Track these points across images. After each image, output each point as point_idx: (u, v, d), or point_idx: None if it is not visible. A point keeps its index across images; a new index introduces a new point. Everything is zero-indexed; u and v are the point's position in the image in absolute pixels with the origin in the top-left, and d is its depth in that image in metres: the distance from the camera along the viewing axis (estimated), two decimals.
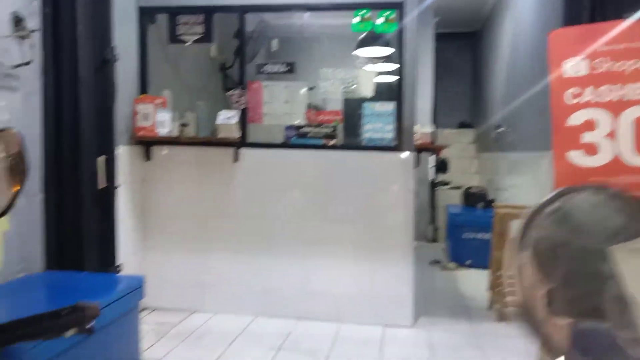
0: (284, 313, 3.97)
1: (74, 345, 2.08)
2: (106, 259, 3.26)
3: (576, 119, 2.08)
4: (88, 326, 0.82)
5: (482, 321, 4.00)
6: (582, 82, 2.07)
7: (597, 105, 2.05)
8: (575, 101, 2.09)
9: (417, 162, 3.84)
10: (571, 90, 2.09)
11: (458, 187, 7.50)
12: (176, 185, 4.08)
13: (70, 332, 0.82)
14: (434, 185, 7.47)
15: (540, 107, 4.62)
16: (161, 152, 4.06)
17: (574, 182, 2.08)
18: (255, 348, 3.40)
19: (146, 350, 3.25)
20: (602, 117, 2.04)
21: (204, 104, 5.23)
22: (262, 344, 3.47)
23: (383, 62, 3.96)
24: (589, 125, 2.06)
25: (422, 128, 4.01)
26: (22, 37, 2.57)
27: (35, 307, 2.29)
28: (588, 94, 2.07)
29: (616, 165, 2.03)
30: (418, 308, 4.05)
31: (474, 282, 5.20)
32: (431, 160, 7.23)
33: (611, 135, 2.02)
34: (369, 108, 3.77)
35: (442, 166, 7.44)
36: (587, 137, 2.07)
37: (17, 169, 1.04)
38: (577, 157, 2.11)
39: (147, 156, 4.07)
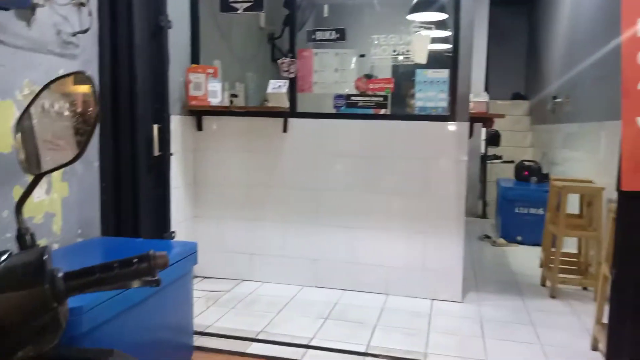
0: (332, 284, 3.99)
1: (131, 307, 2.15)
2: (160, 226, 3.35)
3: None
4: (156, 278, 0.83)
5: (533, 298, 3.90)
6: None
7: None
8: None
9: (471, 133, 3.73)
10: None
11: (510, 161, 7.28)
12: (226, 155, 4.12)
13: (138, 283, 0.83)
14: (484, 159, 7.28)
15: (602, 75, 4.40)
16: (212, 122, 4.09)
17: None
18: (303, 316, 3.44)
19: (197, 317, 3.34)
20: None
21: (253, 75, 5.25)
22: (310, 312, 3.51)
23: (437, 28, 3.81)
24: None
25: (476, 97, 3.87)
26: (80, 5, 2.61)
27: None
28: None
29: None
30: (467, 283, 3.99)
31: (525, 258, 5.07)
32: (482, 132, 7.03)
33: None
34: (421, 75, 3.66)
35: (493, 139, 7.22)
36: None
37: (87, 114, 1.04)
38: None
39: (199, 126, 4.11)
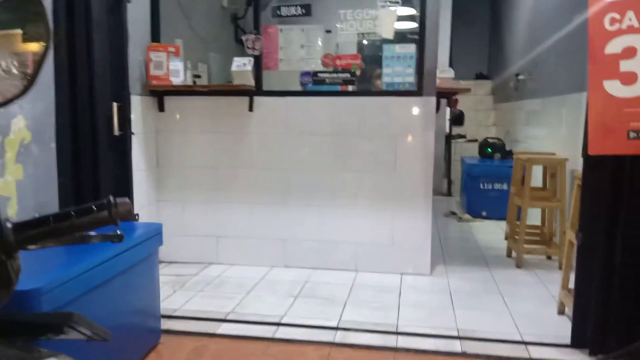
0: (301, 263, 3.96)
1: (94, 289, 2.07)
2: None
3: (615, 46, 1.97)
4: (119, 233, 0.77)
5: (499, 269, 3.97)
6: (622, 6, 1.95)
7: (638, 31, 1.93)
8: (614, 27, 1.97)
9: (437, 108, 3.73)
10: (610, 15, 1.96)
11: (474, 140, 7.37)
12: (190, 137, 4.02)
13: (99, 238, 0.76)
14: (449, 138, 7.35)
15: (565, 49, 4.47)
16: (175, 103, 3.98)
17: (611, 115, 1.99)
18: (273, 295, 3.40)
19: (165, 300, 3.26)
20: None
21: (216, 55, 5.13)
22: (280, 291, 3.48)
23: (403, 4, 3.78)
24: (629, 53, 1.95)
25: (442, 74, 3.87)
26: None
27: (54, 256, 2.29)
28: (628, 19, 1.95)
29: None
30: (435, 258, 4.02)
31: (490, 232, 5.16)
32: (447, 112, 7.09)
33: None
34: (389, 50, 3.64)
35: (458, 119, 7.30)
36: (625, 66, 1.96)
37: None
38: (613, 87, 2.00)
39: (161, 107, 3.99)
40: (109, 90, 3.04)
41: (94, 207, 0.75)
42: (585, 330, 2.56)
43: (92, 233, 0.79)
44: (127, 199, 0.77)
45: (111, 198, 0.75)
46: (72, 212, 0.75)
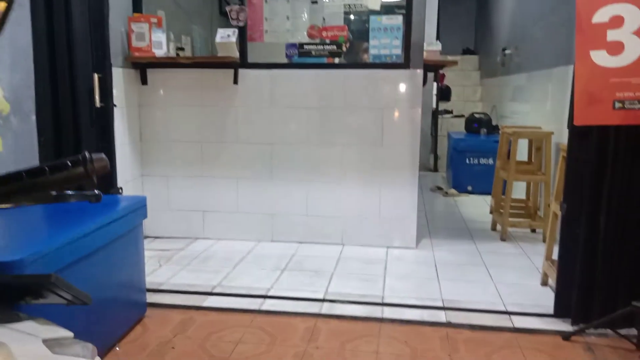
0: (288, 237, 3.96)
1: (78, 261, 2.05)
2: (106, 181, 3.20)
3: (602, 15, 1.96)
4: (97, 192, 0.74)
5: (484, 241, 4.01)
6: None
7: (625, 0, 1.92)
8: None
9: (424, 81, 3.71)
10: None
11: (461, 116, 7.38)
12: (174, 110, 3.95)
13: (76, 197, 0.74)
14: (436, 113, 7.34)
15: (551, 22, 4.46)
16: (158, 76, 3.91)
17: (597, 84, 1.98)
18: (260, 269, 3.40)
19: (150, 274, 3.25)
20: (630, 13, 1.91)
21: (199, 28, 5.03)
22: (267, 265, 3.48)
23: None
24: (616, 22, 1.94)
25: (429, 46, 3.83)
26: None
27: (37, 227, 2.25)
28: None
29: None
30: (421, 231, 4.05)
31: (475, 207, 5.19)
32: (434, 87, 7.07)
33: (639, 31, 1.90)
34: (375, 22, 3.59)
35: (444, 94, 7.29)
36: (612, 35, 1.95)
37: None
38: (600, 57, 1.99)
39: (144, 80, 3.92)
40: (89, 60, 2.97)
41: (68, 162, 0.72)
42: (568, 300, 2.60)
43: (70, 192, 0.76)
44: (103, 155, 0.74)
45: (86, 153, 0.73)
46: (46, 168, 0.72)
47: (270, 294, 3.00)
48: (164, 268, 3.43)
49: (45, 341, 0.84)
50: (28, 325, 0.85)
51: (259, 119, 3.87)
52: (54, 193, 0.74)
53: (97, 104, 3.04)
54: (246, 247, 3.85)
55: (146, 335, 2.52)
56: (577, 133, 2.41)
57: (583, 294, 2.53)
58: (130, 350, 2.39)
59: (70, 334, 0.99)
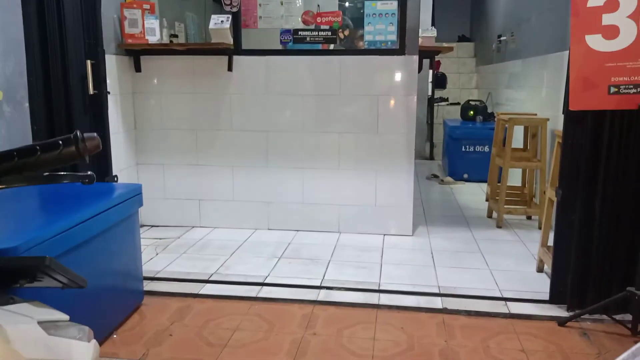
0: (285, 225, 3.95)
1: (73, 249, 2.04)
2: (102, 170, 3.19)
3: None
4: (90, 173, 0.73)
5: (480, 229, 4.02)
6: None
7: None
8: None
9: (420, 68, 3.69)
10: None
11: (456, 103, 7.37)
12: (168, 98, 3.93)
13: (69, 178, 0.73)
14: (431, 101, 7.32)
15: (547, 7, 4.44)
16: (152, 63, 3.87)
17: (593, 69, 1.97)
18: (257, 257, 3.40)
19: (147, 262, 3.25)
20: None
21: (193, 15, 4.98)
22: (263, 253, 3.48)
23: None
24: (611, 6, 1.93)
25: (425, 33, 3.81)
26: None
27: (33, 213, 2.24)
28: None
29: (637, 48, 1.92)
30: (417, 219, 4.05)
31: (471, 194, 5.20)
32: (429, 75, 7.04)
33: (634, 15, 1.89)
34: (370, 8, 3.56)
35: (440, 81, 7.26)
36: (607, 19, 1.94)
37: None
38: (595, 42, 1.99)
39: (137, 67, 3.89)
40: (82, 47, 2.94)
41: (60, 141, 0.71)
42: (563, 286, 2.61)
43: (62, 173, 0.75)
44: (95, 134, 0.73)
45: (78, 132, 0.71)
46: (38, 147, 0.71)
47: (267, 281, 3.00)
48: (160, 256, 3.42)
49: (40, 323, 0.83)
50: (23, 307, 0.84)
51: (254, 106, 3.85)
52: (46, 174, 0.73)
53: (91, 91, 3.01)
54: (243, 235, 3.85)
55: (143, 323, 2.52)
56: (573, 118, 2.40)
57: (578, 279, 2.54)
58: (127, 338, 2.39)
59: (65, 316, 0.99)
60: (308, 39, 3.68)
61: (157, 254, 3.46)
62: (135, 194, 2.58)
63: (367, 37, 3.63)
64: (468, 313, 2.62)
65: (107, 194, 2.47)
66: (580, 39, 2.01)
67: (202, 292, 2.87)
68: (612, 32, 1.95)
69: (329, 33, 3.66)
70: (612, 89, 2.14)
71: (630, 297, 2.32)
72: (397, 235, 3.82)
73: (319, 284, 2.95)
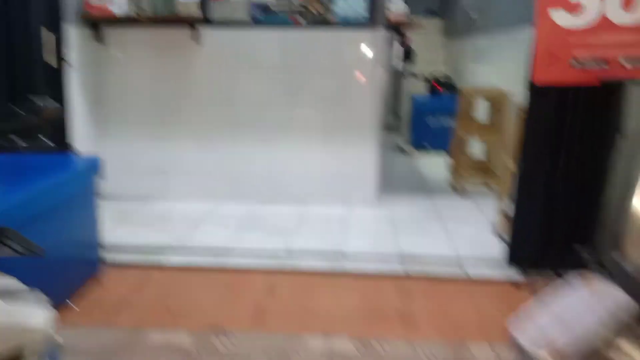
0: (249, 198, 3.95)
1: (29, 220, 2.01)
2: (61, 141, 3.12)
3: None
4: (50, 143, 0.72)
5: (442, 198, 4.10)
6: None
7: None
8: None
9: (390, 41, 3.70)
10: None
11: (423, 78, 7.40)
12: (133, 71, 3.85)
13: (29, 147, 0.72)
14: (399, 75, 7.34)
15: None
16: (115, 34, 3.78)
17: (556, 43, 2.01)
18: (221, 229, 3.41)
19: (109, 234, 3.19)
20: None
21: None
22: (228, 224, 3.48)
23: None
24: None
25: (394, 6, 3.81)
26: None
27: None
28: None
29: (602, 24, 1.96)
30: (382, 189, 4.10)
31: (435, 166, 5.28)
32: (397, 49, 7.05)
33: None
34: None
35: (407, 55, 7.27)
36: None
37: None
38: (559, 16, 2.02)
39: (100, 38, 3.78)
40: (41, 18, 2.85)
41: (19, 110, 0.70)
42: (520, 252, 2.71)
43: (22, 143, 0.74)
44: (54, 101, 0.72)
45: (35, 100, 0.71)
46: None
47: (230, 252, 3.01)
48: (123, 228, 3.39)
49: None
50: None
51: (222, 80, 3.81)
52: (5, 144, 0.72)
53: (52, 63, 2.93)
54: (207, 207, 3.83)
55: (103, 293, 2.51)
56: (536, 92, 2.45)
57: (532, 247, 2.64)
58: (87, 307, 2.38)
59: (22, 285, 0.99)
60: (278, 12, 3.64)
61: (119, 226, 3.42)
62: (92, 165, 2.55)
63: (337, 11, 3.61)
64: (428, 277, 2.69)
65: (63, 167, 2.44)
66: (545, 13, 2.04)
67: (163, 262, 2.86)
68: (575, 7, 1.98)
69: (299, 7, 3.62)
70: (575, 63, 2.18)
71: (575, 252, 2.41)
72: (361, 206, 3.87)
73: (282, 254, 2.98)
